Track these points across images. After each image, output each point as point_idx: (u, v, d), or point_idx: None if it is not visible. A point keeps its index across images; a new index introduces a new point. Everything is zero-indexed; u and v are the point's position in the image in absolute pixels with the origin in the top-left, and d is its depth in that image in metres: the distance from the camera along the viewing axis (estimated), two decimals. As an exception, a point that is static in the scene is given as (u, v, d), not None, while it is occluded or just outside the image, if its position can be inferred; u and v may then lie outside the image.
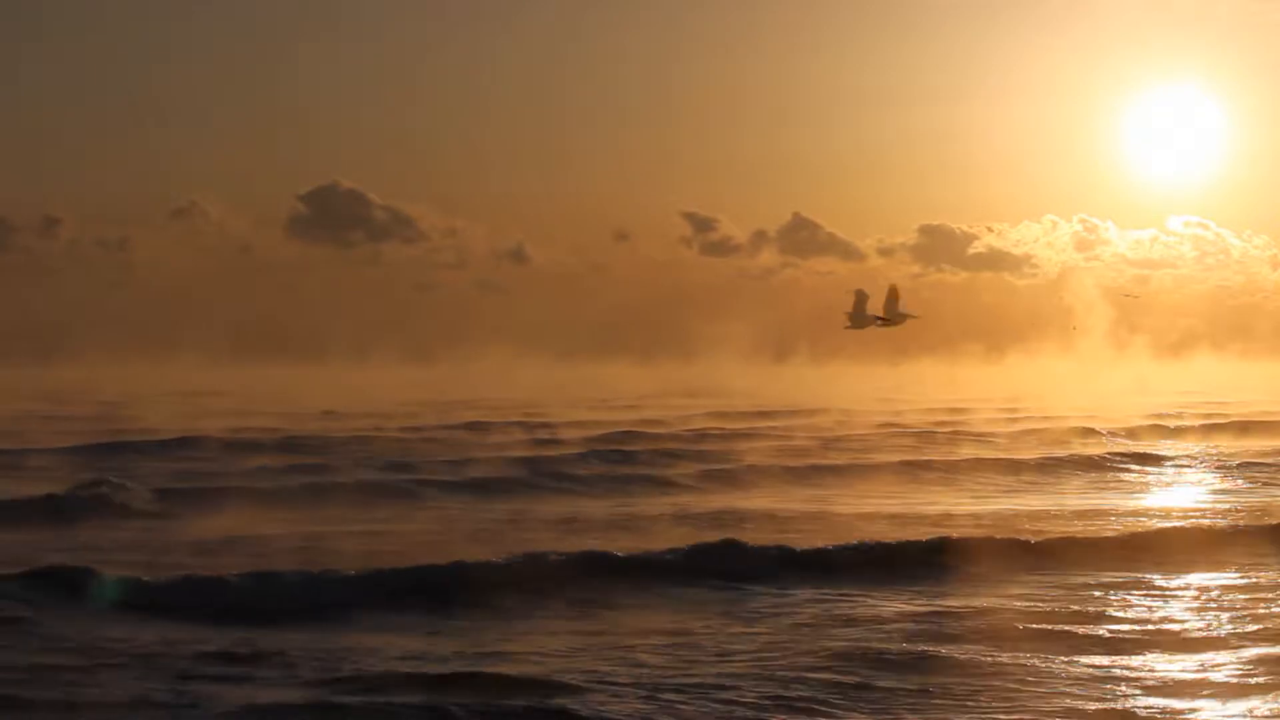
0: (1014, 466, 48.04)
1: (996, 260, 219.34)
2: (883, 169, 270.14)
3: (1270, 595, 23.81)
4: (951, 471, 46.97)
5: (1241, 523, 33.79)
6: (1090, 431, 66.13)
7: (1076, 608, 22.64)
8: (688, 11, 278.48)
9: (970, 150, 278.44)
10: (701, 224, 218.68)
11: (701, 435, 63.96)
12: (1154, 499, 41.60)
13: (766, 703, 16.40)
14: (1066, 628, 20.85)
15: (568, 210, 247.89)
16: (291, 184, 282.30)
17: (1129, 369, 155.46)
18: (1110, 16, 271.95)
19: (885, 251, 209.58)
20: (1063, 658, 18.82)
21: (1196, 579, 25.81)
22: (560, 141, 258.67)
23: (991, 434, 65.19)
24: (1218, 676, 18.03)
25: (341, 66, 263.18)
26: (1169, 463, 51.84)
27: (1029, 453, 53.16)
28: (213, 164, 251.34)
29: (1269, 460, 51.99)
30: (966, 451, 54.36)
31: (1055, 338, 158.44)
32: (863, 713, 16.25)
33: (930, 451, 54.87)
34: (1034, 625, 20.93)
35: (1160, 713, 16.35)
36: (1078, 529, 32.73)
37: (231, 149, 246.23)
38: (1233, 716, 16.31)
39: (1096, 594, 24.10)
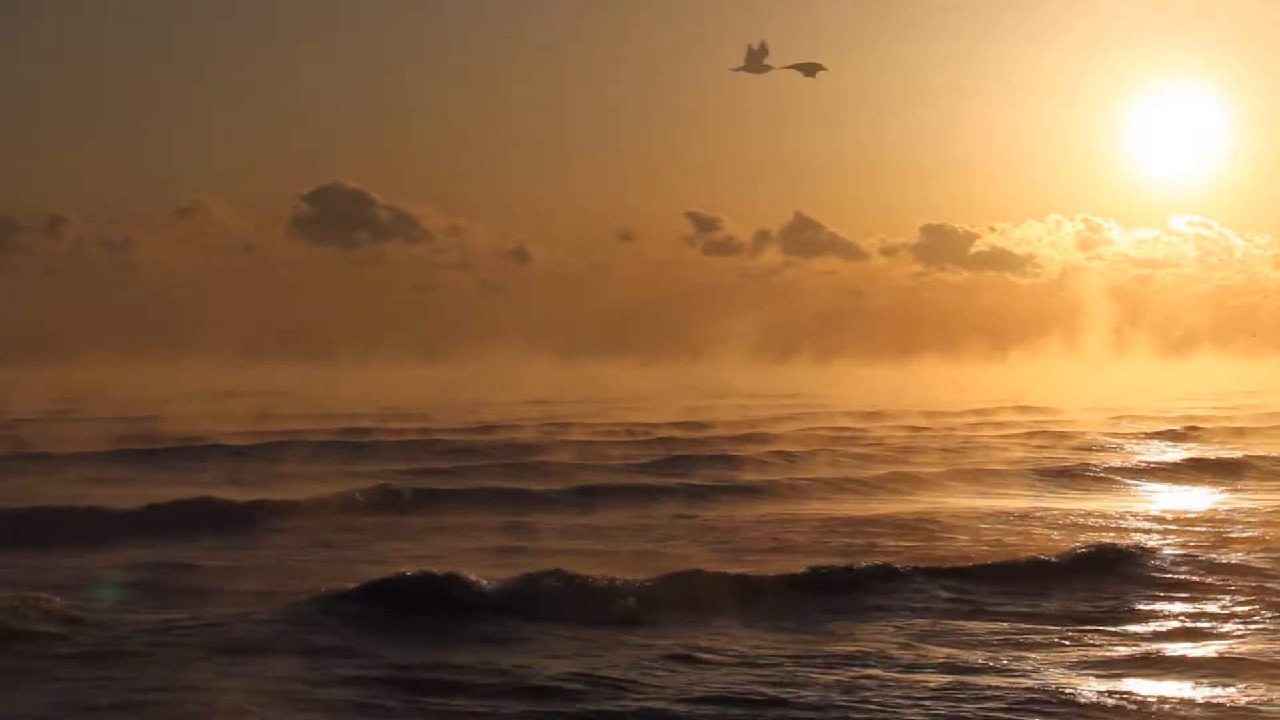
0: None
1: (999, 260, 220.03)
2: (884, 169, 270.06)
3: None
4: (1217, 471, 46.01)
5: None
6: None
7: None
8: (688, 11, 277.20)
9: (971, 150, 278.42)
10: (705, 224, 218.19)
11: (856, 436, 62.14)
12: None
13: None
14: None
15: (570, 210, 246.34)
16: (294, 184, 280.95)
17: (1143, 368, 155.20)
18: (1110, 16, 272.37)
19: (888, 251, 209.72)
20: None
21: None
22: (563, 142, 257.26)
23: (1120, 433, 63.93)
24: None
25: (344, 66, 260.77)
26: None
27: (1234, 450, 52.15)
28: (216, 164, 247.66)
29: None
30: (1174, 453, 53.29)
31: (1062, 336, 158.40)
32: None
33: (1139, 454, 53.37)
34: None
35: None
36: None
37: (234, 149, 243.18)
38: None
39: None
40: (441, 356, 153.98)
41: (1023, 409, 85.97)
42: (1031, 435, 64.03)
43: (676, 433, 64.07)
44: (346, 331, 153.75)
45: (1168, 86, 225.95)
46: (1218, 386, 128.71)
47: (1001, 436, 63.52)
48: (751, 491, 39.88)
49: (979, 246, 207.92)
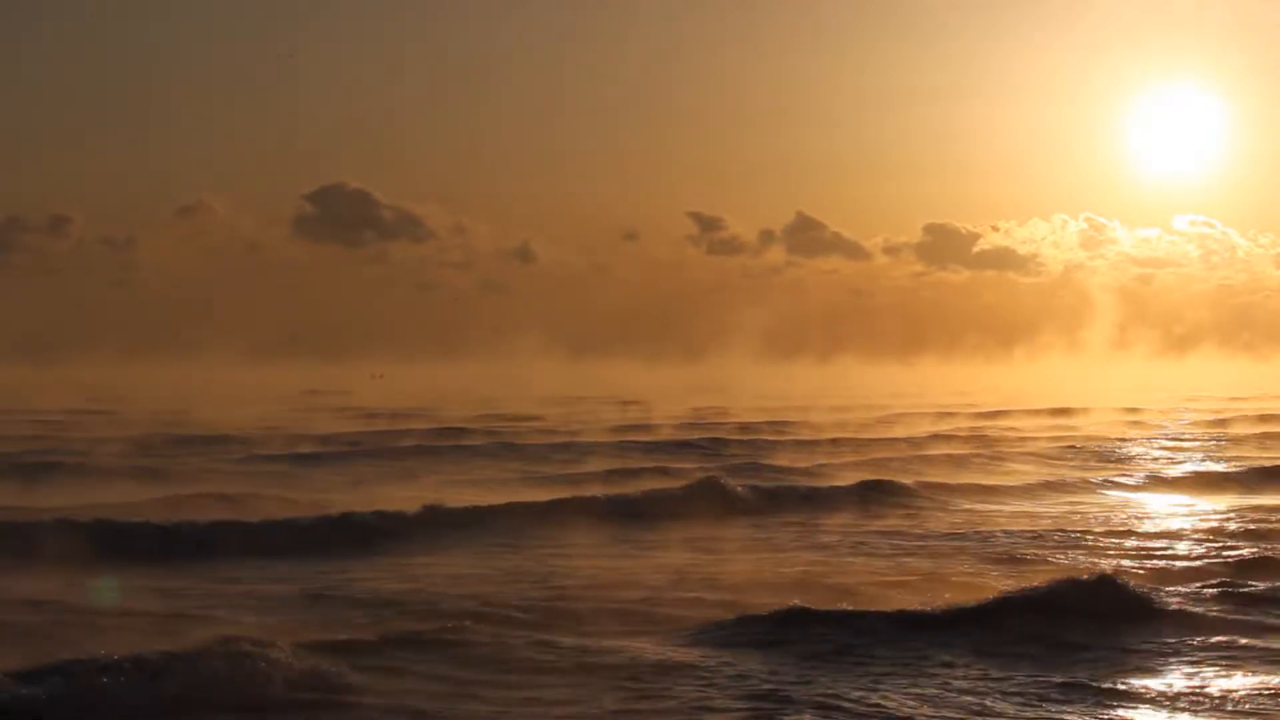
0: None
1: (1001, 259, 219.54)
2: (887, 168, 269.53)
3: None
4: None
5: None
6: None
7: None
8: (690, 11, 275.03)
9: (973, 150, 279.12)
10: (707, 223, 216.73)
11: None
12: None
13: None
14: None
15: (573, 210, 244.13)
16: (297, 183, 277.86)
17: (1150, 367, 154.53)
18: (1110, 16, 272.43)
19: (891, 250, 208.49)
20: None
21: None
22: (565, 141, 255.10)
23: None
24: None
25: (346, 66, 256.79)
26: None
27: None
28: (219, 163, 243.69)
29: None
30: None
31: (1065, 335, 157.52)
32: None
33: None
34: None
35: None
36: None
37: (238, 149, 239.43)
38: None
39: None
40: (449, 355, 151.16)
41: (1077, 409, 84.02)
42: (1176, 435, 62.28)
43: (854, 433, 61.85)
44: (350, 331, 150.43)
45: (1168, 86, 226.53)
46: (1245, 383, 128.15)
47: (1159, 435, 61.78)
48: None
49: (981, 245, 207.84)
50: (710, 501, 32.50)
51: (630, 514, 30.58)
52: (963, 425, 69.02)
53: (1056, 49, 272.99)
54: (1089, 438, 60.27)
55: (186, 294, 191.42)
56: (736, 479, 36.48)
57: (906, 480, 38.75)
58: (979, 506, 34.74)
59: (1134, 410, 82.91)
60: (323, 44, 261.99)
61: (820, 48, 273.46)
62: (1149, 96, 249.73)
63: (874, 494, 35.77)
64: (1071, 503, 36.05)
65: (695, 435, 58.80)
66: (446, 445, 53.45)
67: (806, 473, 43.21)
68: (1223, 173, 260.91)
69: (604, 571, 23.20)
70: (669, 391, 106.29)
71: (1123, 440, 59.07)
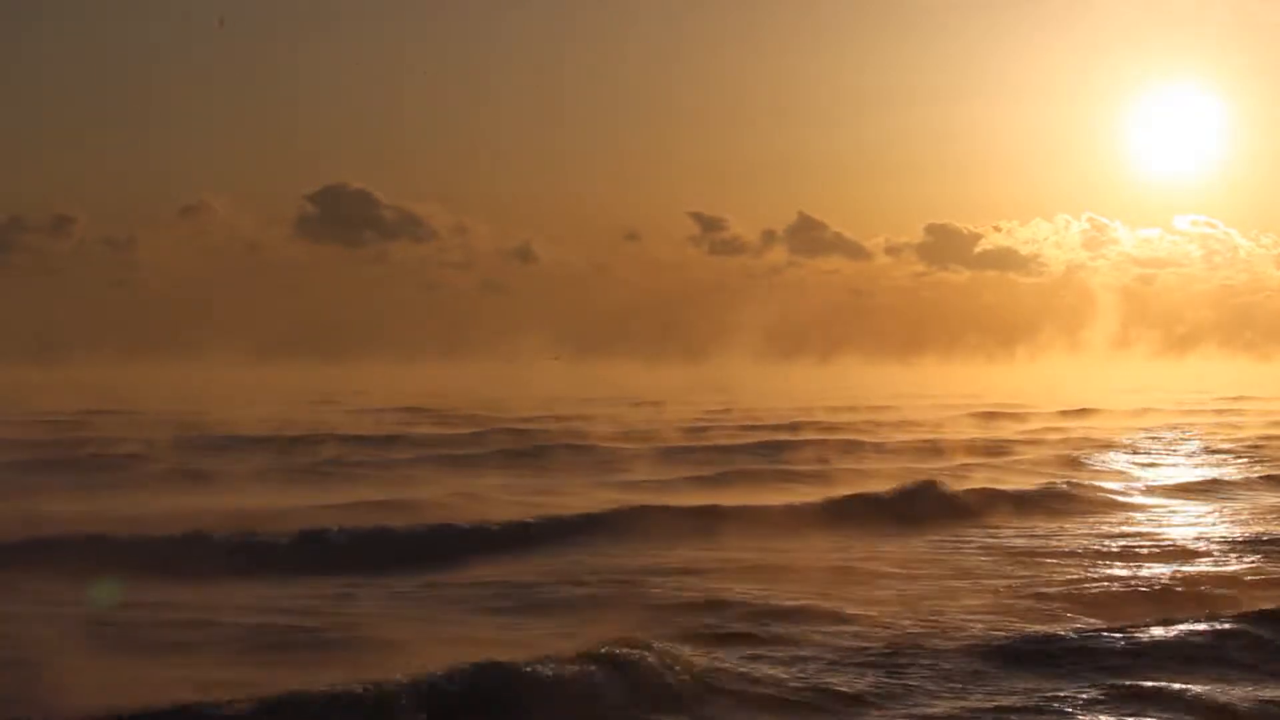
0: None
1: (1003, 259, 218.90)
2: (888, 168, 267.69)
3: None
4: None
5: None
6: None
7: None
8: (690, 11, 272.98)
9: (974, 150, 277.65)
10: (709, 224, 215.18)
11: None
12: None
13: None
14: None
15: (575, 210, 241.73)
16: (299, 183, 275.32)
17: (1159, 367, 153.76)
18: (1110, 16, 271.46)
19: (892, 250, 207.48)
20: None
21: None
22: (566, 141, 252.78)
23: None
24: None
25: (348, 66, 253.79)
26: None
27: None
28: (221, 163, 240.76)
29: None
30: None
31: (1066, 335, 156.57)
32: None
33: None
34: None
35: None
36: None
37: (239, 148, 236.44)
38: None
39: None
40: (450, 355, 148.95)
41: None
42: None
43: (954, 433, 60.34)
44: (351, 331, 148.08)
45: (1168, 86, 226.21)
46: (1249, 382, 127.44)
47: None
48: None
49: (983, 246, 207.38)
50: (933, 505, 30.95)
51: (865, 517, 29.06)
52: (1034, 426, 67.29)
53: (1056, 49, 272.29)
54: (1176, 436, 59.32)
55: (187, 294, 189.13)
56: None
57: (1083, 479, 37.20)
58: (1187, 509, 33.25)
59: (1213, 411, 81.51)
60: (323, 44, 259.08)
61: (820, 48, 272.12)
62: (1149, 96, 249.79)
63: (1070, 495, 34.19)
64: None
65: (780, 436, 56.74)
66: (534, 447, 51.05)
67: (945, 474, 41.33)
68: (1224, 173, 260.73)
69: (946, 576, 21.77)
70: (681, 391, 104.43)
71: (1222, 440, 57.74)
